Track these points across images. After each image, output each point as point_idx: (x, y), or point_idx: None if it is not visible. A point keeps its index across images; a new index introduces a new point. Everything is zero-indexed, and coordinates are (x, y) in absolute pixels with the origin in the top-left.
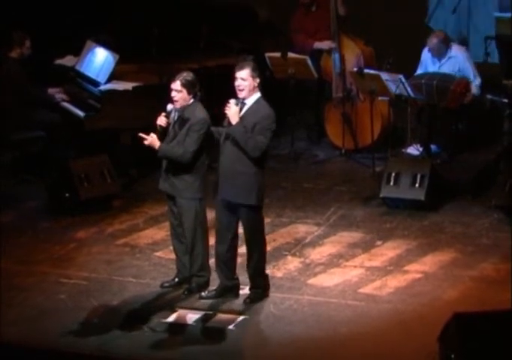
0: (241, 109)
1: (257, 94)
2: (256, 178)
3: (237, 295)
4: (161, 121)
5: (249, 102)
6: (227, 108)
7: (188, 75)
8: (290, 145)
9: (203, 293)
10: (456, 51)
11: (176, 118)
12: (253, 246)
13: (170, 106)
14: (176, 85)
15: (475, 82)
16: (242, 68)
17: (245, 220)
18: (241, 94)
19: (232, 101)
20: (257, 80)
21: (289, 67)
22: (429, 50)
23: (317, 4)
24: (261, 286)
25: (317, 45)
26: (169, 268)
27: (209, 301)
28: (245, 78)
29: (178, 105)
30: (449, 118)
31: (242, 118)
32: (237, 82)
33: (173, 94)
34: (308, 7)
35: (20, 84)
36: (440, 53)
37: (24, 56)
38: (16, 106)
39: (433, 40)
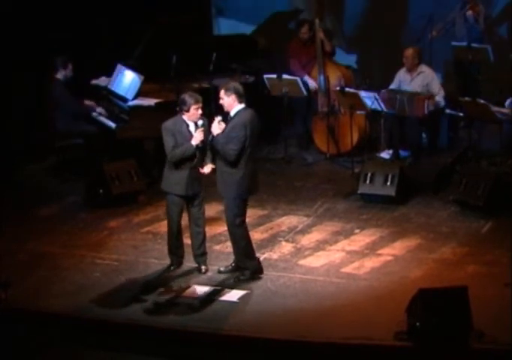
0: (229, 120)
1: (238, 107)
2: (236, 177)
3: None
4: (201, 135)
5: (232, 114)
6: (212, 124)
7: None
8: (284, 151)
9: (221, 268)
10: (426, 68)
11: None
12: (230, 233)
13: (200, 121)
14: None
15: (440, 94)
16: (219, 90)
17: (226, 210)
18: (224, 109)
19: (216, 119)
20: (232, 96)
21: (283, 87)
22: (404, 60)
23: (311, 40)
24: (248, 267)
25: (306, 79)
26: (185, 252)
27: (219, 278)
28: (221, 97)
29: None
30: (415, 128)
31: (225, 129)
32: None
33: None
34: (306, 42)
35: (64, 102)
36: (413, 64)
37: (67, 77)
38: (60, 120)
39: (409, 51)
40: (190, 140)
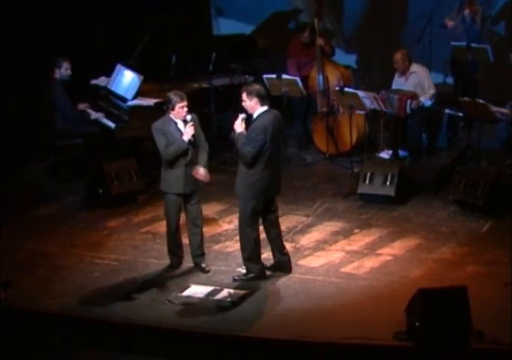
0: (251, 122)
1: (261, 109)
2: (252, 179)
3: (288, 269)
4: (192, 130)
5: (255, 116)
6: (236, 122)
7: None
8: (283, 151)
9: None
10: (417, 67)
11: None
12: (240, 233)
13: (189, 116)
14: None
15: (429, 92)
16: (241, 92)
17: (239, 210)
18: (248, 111)
19: (240, 116)
20: (254, 99)
21: (283, 87)
22: (395, 65)
23: (312, 43)
24: (251, 270)
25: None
26: (184, 252)
27: (218, 278)
28: (243, 99)
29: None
30: (415, 128)
31: (246, 129)
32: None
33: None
34: (306, 45)
35: (58, 104)
36: (403, 66)
37: (66, 77)
38: (60, 120)
39: (398, 55)
40: (180, 137)
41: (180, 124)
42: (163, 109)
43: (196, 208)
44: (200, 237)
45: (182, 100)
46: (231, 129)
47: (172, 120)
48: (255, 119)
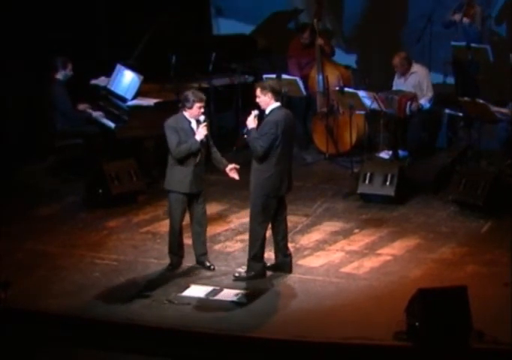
0: (264, 118)
1: (273, 105)
2: (264, 175)
3: (289, 269)
4: (205, 130)
5: (267, 111)
6: (248, 118)
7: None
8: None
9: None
10: (418, 67)
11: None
12: (249, 230)
13: (202, 117)
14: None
15: (427, 96)
16: (255, 88)
17: (250, 206)
18: (261, 107)
19: (253, 112)
20: (269, 94)
21: (282, 87)
22: (395, 68)
23: (312, 43)
24: (253, 269)
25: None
26: (185, 252)
27: (218, 278)
28: (257, 95)
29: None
30: (415, 128)
31: (258, 125)
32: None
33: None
34: (306, 45)
35: (58, 104)
36: (403, 69)
37: (68, 77)
38: (60, 120)
39: (396, 59)
40: (193, 137)
41: (193, 124)
42: (165, 109)
43: (201, 207)
44: (204, 237)
45: (200, 100)
46: (243, 125)
47: (186, 118)
48: (267, 115)
